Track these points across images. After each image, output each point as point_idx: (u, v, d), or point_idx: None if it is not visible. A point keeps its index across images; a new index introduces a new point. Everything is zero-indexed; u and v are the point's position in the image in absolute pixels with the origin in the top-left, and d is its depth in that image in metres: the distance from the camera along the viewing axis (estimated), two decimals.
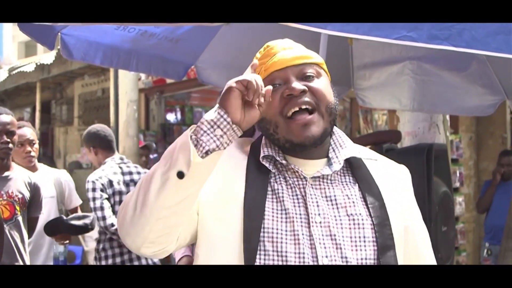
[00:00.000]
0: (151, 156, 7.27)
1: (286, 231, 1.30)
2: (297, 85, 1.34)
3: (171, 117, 8.45)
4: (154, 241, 1.28)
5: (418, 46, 1.61)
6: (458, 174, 6.24)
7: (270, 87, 1.28)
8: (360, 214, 1.34)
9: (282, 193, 1.34)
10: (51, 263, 3.52)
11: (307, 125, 1.33)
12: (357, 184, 1.38)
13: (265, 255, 1.29)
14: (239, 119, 1.24)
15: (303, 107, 1.34)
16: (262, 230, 1.29)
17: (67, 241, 3.35)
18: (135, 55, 3.34)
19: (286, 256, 1.28)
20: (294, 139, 1.34)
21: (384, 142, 3.51)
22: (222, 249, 1.30)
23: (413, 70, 3.78)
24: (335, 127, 1.45)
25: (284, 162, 1.37)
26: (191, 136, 1.22)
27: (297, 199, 1.34)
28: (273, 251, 1.29)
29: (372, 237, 1.32)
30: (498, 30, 1.61)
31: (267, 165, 1.37)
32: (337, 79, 4.05)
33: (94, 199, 3.39)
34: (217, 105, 1.24)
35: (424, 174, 3.13)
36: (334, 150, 1.41)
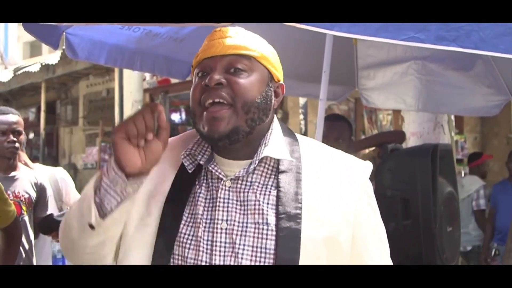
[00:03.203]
0: None
1: (191, 235, 1.28)
2: (215, 76, 1.28)
3: (175, 117, 8.46)
4: (88, 262, 1.34)
5: (425, 47, 1.61)
6: (463, 175, 6.22)
7: (161, 110, 1.22)
8: (267, 223, 1.26)
9: (199, 196, 1.31)
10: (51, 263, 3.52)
11: (215, 119, 1.27)
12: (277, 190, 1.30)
13: (172, 258, 1.28)
14: (140, 165, 1.21)
15: (217, 100, 1.27)
16: (177, 233, 1.29)
17: None
18: (139, 54, 3.34)
19: (186, 262, 1.27)
20: (203, 131, 1.29)
21: (389, 142, 3.50)
22: (137, 251, 1.29)
23: (418, 70, 3.77)
24: (277, 122, 1.37)
25: (201, 162, 1.32)
26: (95, 192, 1.22)
27: (211, 202, 1.30)
28: (178, 255, 1.28)
29: (274, 249, 1.25)
30: (506, 32, 1.60)
31: (186, 164, 1.32)
32: (341, 78, 4.10)
33: None
34: (113, 158, 1.21)
35: (429, 174, 3.11)
36: (261, 148, 1.32)
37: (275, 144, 1.33)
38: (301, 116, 6.66)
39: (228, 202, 1.29)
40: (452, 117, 4.36)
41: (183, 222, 1.29)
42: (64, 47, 3.02)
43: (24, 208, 3.05)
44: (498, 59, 3.38)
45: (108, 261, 1.35)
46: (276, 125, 1.37)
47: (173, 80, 7.23)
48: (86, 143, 10.14)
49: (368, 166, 1.39)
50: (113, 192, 1.21)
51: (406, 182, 3.14)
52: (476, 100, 3.94)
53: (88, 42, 3.08)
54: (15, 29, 10.48)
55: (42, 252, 3.54)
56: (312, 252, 1.26)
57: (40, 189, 3.19)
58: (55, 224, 3.25)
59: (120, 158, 1.20)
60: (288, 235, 1.25)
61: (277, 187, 1.30)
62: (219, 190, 1.30)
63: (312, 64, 3.37)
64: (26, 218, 3.05)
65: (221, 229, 1.27)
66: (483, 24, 1.61)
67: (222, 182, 1.30)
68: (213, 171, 1.30)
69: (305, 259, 1.25)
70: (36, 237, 3.21)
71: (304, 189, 1.30)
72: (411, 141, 4.19)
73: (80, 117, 10.18)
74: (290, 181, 1.30)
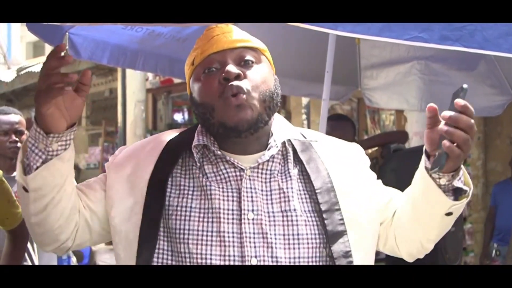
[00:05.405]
0: None
1: (212, 232, 1.24)
2: (232, 68, 1.28)
3: (178, 117, 8.46)
4: (43, 242, 1.34)
5: (429, 46, 1.60)
6: None
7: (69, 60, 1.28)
8: (294, 210, 1.27)
9: (211, 189, 1.27)
10: (55, 263, 3.52)
11: (241, 106, 1.25)
12: (299, 173, 1.31)
13: (190, 257, 1.24)
14: (61, 120, 1.22)
15: (237, 92, 1.26)
16: (187, 231, 1.25)
17: None
18: (142, 54, 3.34)
19: (210, 259, 1.23)
20: (228, 122, 1.26)
21: (392, 142, 3.50)
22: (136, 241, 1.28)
23: (421, 70, 3.77)
24: (276, 114, 1.38)
25: (219, 152, 1.30)
26: (24, 153, 1.22)
27: (232, 193, 1.27)
28: (197, 253, 1.24)
29: (306, 234, 1.26)
30: (510, 31, 1.60)
31: (195, 154, 1.31)
32: (344, 78, 4.10)
33: None
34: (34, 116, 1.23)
35: None
36: (273, 136, 1.33)
37: (287, 129, 1.36)
38: (304, 116, 6.65)
39: (252, 192, 1.28)
40: None
41: (197, 218, 1.26)
42: (67, 47, 3.03)
43: None
44: (501, 59, 3.37)
45: (63, 236, 1.32)
46: (277, 115, 1.39)
47: (176, 80, 7.23)
48: (88, 143, 10.15)
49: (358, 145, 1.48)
50: (37, 150, 1.22)
51: (409, 182, 3.14)
52: (479, 100, 3.92)
53: (91, 42, 3.08)
54: (18, 29, 10.50)
55: (44, 252, 3.54)
56: (354, 222, 1.30)
57: None
58: None
59: (38, 116, 1.20)
60: (331, 208, 1.28)
61: (302, 164, 1.32)
62: (243, 180, 1.28)
63: (315, 64, 3.37)
64: None
65: (248, 219, 1.25)
66: (486, 23, 1.61)
67: (242, 171, 1.29)
68: (231, 161, 1.29)
69: (352, 230, 1.28)
70: None
71: (326, 165, 1.34)
72: (414, 141, 4.19)
73: (82, 117, 10.18)
74: (314, 159, 1.34)
